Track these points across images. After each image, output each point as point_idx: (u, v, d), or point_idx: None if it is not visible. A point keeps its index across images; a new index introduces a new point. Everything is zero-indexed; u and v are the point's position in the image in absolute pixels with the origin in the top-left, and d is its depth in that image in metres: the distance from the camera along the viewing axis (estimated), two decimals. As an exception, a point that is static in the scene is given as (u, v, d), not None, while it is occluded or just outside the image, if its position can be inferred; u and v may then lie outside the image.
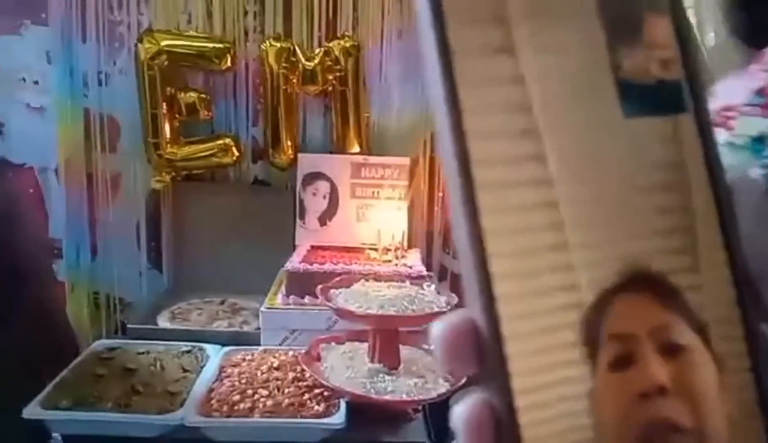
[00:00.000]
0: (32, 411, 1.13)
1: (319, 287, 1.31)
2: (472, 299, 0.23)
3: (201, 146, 1.81)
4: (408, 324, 1.28)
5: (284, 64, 1.74)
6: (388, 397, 1.16)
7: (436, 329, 0.24)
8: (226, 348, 1.41)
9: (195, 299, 1.76)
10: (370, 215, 1.79)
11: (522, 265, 0.22)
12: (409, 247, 1.77)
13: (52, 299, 1.81)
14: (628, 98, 0.23)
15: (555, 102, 0.23)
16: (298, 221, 1.82)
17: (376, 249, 1.70)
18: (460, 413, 0.23)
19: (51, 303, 1.75)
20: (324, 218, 1.82)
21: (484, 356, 0.23)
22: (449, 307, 1.26)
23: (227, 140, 1.82)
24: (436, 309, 1.24)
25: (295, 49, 1.75)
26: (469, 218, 0.22)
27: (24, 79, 1.77)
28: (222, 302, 1.74)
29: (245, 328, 1.59)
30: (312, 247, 1.74)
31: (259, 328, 1.49)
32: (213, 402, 1.17)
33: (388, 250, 1.68)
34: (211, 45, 1.75)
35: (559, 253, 0.22)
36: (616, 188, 0.23)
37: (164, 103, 1.73)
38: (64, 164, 1.81)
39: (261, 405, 1.16)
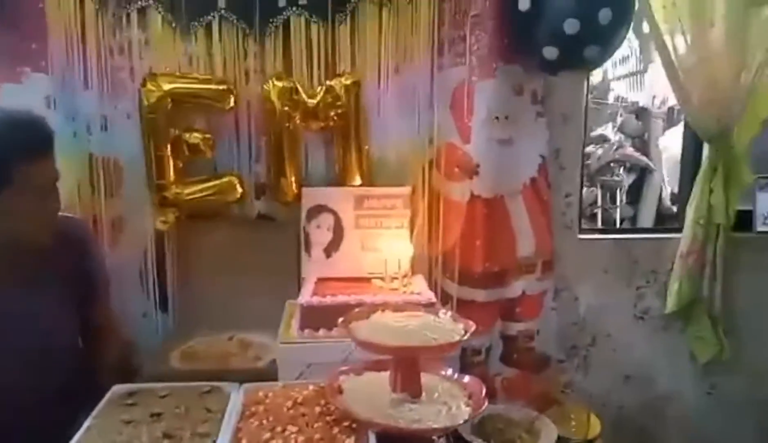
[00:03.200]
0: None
1: (340, 320, 1.34)
2: None
3: (205, 185, 1.84)
4: (434, 354, 1.31)
5: (287, 103, 1.78)
6: (416, 426, 1.19)
7: None
8: (246, 385, 1.41)
9: (202, 337, 1.76)
10: (374, 245, 1.82)
11: None
12: (412, 274, 1.80)
13: None
14: None
15: None
16: (303, 254, 1.85)
17: (382, 278, 1.73)
18: None
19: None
20: (329, 250, 1.85)
21: None
22: (467, 334, 1.30)
23: (231, 178, 1.85)
24: (457, 338, 1.27)
25: (297, 88, 1.79)
26: None
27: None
28: (230, 339, 1.75)
29: (258, 363, 1.59)
30: (318, 279, 1.75)
31: (272, 361, 1.50)
32: (244, 441, 1.18)
33: (394, 278, 1.71)
34: (213, 86, 1.78)
35: None
36: None
37: (168, 145, 1.75)
38: (67, 209, 1.79)
39: (293, 442, 1.17)
